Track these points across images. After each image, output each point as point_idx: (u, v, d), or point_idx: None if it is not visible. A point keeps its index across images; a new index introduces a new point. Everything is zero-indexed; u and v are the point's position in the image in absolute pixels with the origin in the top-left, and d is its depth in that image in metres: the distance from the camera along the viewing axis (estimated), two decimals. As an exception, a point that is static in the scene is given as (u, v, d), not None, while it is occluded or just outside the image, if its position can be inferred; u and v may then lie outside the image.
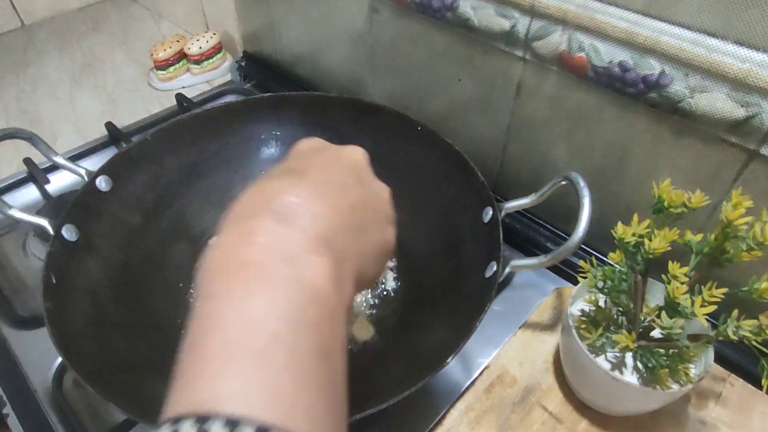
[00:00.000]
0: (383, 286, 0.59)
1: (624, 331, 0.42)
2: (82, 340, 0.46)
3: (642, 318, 0.43)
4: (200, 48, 0.97)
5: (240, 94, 0.94)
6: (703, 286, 0.39)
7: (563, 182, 0.47)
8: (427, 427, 0.48)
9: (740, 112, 0.42)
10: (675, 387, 0.42)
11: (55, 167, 0.68)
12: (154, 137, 0.61)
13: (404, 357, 0.52)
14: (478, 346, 0.55)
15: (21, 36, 1.16)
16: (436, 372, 0.40)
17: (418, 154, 0.62)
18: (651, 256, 0.41)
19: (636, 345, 0.41)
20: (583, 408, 0.49)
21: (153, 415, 0.38)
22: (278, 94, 0.68)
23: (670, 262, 0.39)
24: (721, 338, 0.38)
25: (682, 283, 0.39)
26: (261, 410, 0.18)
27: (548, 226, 0.64)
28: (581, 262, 0.45)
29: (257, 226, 0.23)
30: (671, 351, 0.42)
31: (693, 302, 0.38)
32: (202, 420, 0.17)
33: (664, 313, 0.39)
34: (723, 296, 0.38)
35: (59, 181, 0.74)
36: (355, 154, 0.32)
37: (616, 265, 0.44)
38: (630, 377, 0.45)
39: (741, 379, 0.50)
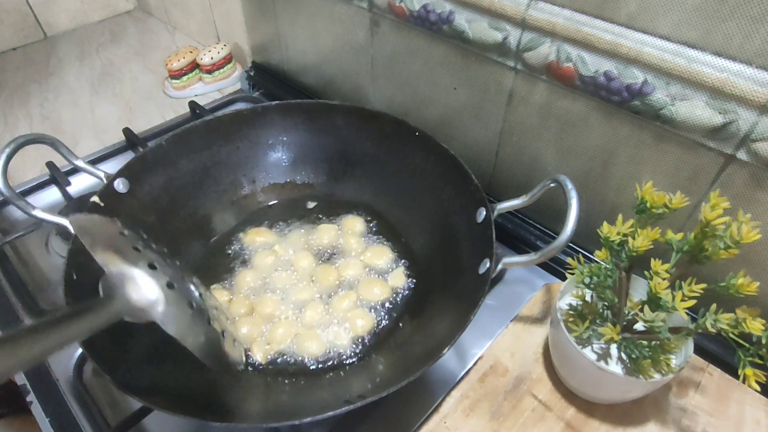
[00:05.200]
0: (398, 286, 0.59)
1: (609, 324, 0.42)
2: (101, 332, 0.45)
3: (626, 312, 0.43)
4: (212, 58, 0.97)
5: (249, 101, 0.94)
6: (683, 282, 0.39)
7: (552, 184, 0.47)
8: (425, 414, 0.48)
9: (718, 119, 0.41)
10: (657, 376, 0.42)
11: (75, 170, 0.68)
12: (168, 142, 0.61)
13: (403, 348, 0.52)
14: (472, 338, 0.55)
15: (44, 47, 1.16)
16: (434, 362, 0.40)
17: (416, 158, 0.62)
18: (634, 254, 0.41)
19: (620, 337, 0.41)
20: (570, 396, 0.49)
21: (166, 402, 0.39)
22: (285, 102, 0.68)
23: (652, 260, 0.39)
24: (700, 331, 0.38)
25: (664, 279, 0.39)
26: None
27: (538, 225, 0.64)
28: (569, 260, 0.45)
29: None
30: (653, 342, 0.42)
31: (674, 297, 0.38)
32: None
33: (646, 307, 0.39)
34: (702, 291, 0.38)
35: (80, 183, 0.74)
36: None
37: (601, 262, 0.44)
38: (615, 367, 0.45)
39: (719, 369, 0.50)
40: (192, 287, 0.43)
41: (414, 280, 0.59)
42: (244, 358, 0.48)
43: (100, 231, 0.41)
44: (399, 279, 0.59)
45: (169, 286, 0.38)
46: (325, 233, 0.64)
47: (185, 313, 0.39)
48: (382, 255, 0.61)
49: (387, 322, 0.56)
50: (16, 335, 0.29)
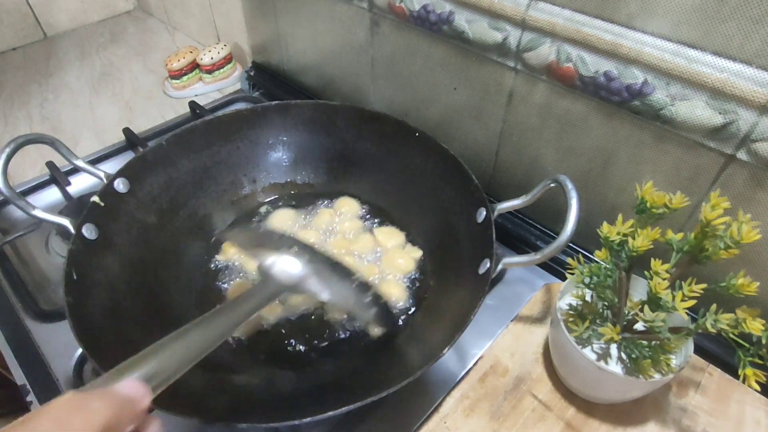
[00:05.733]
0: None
1: (609, 324, 0.42)
2: (101, 332, 0.45)
3: (626, 312, 0.43)
4: (212, 58, 0.97)
5: (249, 101, 0.94)
6: (683, 282, 0.39)
7: (552, 184, 0.47)
8: (425, 414, 0.48)
9: (718, 119, 0.41)
10: (657, 376, 0.42)
11: (75, 170, 0.68)
12: (168, 142, 0.61)
13: (403, 348, 0.52)
14: (472, 338, 0.55)
15: (44, 47, 1.16)
16: (434, 362, 0.40)
17: (417, 158, 0.62)
18: (634, 254, 0.41)
19: (620, 337, 0.41)
20: (570, 396, 0.49)
21: (167, 401, 0.38)
22: (285, 102, 0.68)
23: (652, 260, 0.39)
24: (700, 331, 0.38)
25: (664, 279, 0.39)
26: None
27: (538, 225, 0.64)
28: (569, 260, 0.45)
29: None
30: (653, 342, 0.42)
31: (674, 297, 0.38)
32: None
33: (646, 307, 0.39)
34: (702, 291, 0.38)
35: (80, 183, 0.74)
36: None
37: (601, 262, 0.44)
38: (615, 367, 0.45)
39: (719, 369, 0.50)
40: (330, 257, 0.50)
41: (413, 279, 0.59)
42: (396, 298, 0.56)
43: (246, 236, 0.55)
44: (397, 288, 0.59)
45: (311, 261, 0.46)
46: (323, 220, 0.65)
47: (331, 280, 0.47)
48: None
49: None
50: (221, 309, 0.38)
